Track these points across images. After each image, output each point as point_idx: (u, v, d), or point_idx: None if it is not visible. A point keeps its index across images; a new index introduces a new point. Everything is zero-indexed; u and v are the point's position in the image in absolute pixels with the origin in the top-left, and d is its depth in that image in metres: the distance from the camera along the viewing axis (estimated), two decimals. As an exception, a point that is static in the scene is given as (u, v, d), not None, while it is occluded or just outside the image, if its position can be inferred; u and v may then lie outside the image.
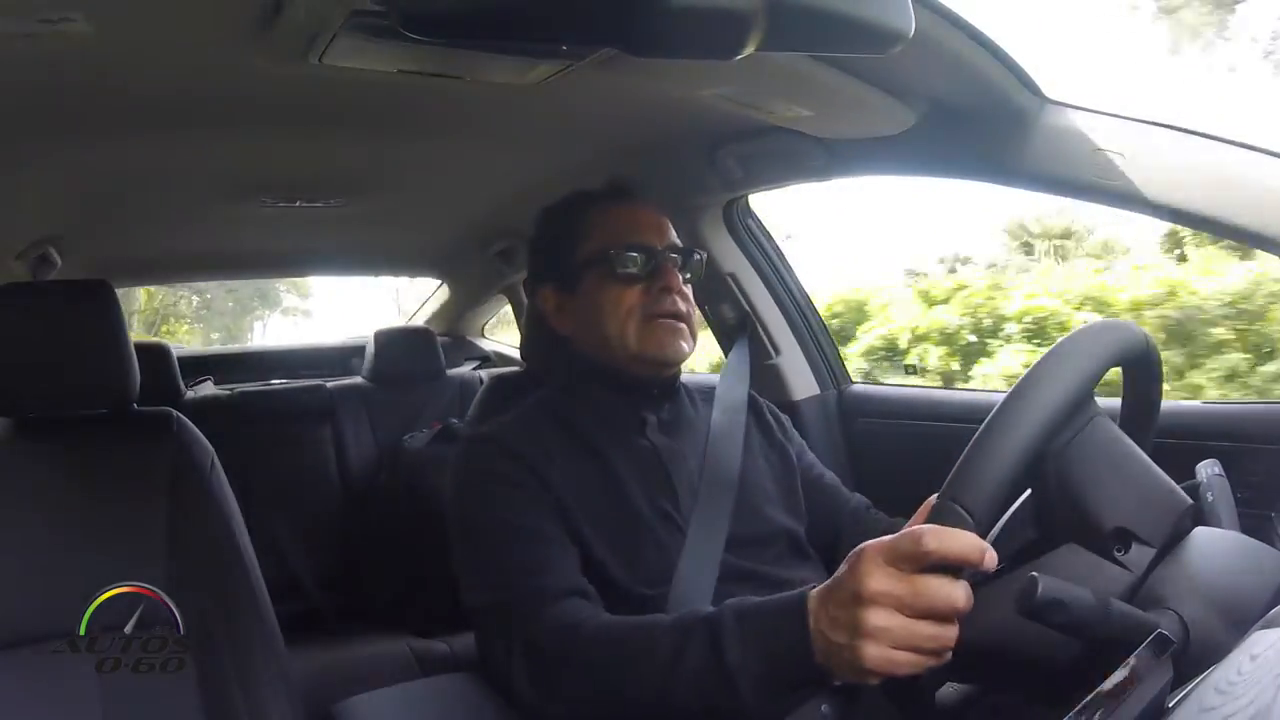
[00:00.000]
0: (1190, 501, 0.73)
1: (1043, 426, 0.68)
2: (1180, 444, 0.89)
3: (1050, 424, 0.68)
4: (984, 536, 0.67)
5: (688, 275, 1.08)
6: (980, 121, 1.11)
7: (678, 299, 1.04)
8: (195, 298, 15.17)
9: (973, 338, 5.37)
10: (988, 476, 0.66)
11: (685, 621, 0.78)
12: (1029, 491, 0.76)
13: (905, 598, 0.62)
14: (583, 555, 0.94)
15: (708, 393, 1.15)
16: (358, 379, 2.70)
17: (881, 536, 1.07)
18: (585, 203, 1.10)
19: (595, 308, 1.04)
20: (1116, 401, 0.85)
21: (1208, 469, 0.78)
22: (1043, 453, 0.70)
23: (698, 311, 1.72)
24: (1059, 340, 0.73)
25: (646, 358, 1.03)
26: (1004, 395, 0.71)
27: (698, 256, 1.09)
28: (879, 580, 0.63)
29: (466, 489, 0.99)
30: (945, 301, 5.75)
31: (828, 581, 0.68)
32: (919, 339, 5.60)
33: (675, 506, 1.00)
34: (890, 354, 5.70)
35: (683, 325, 1.04)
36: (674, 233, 1.09)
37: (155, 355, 2.26)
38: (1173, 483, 0.74)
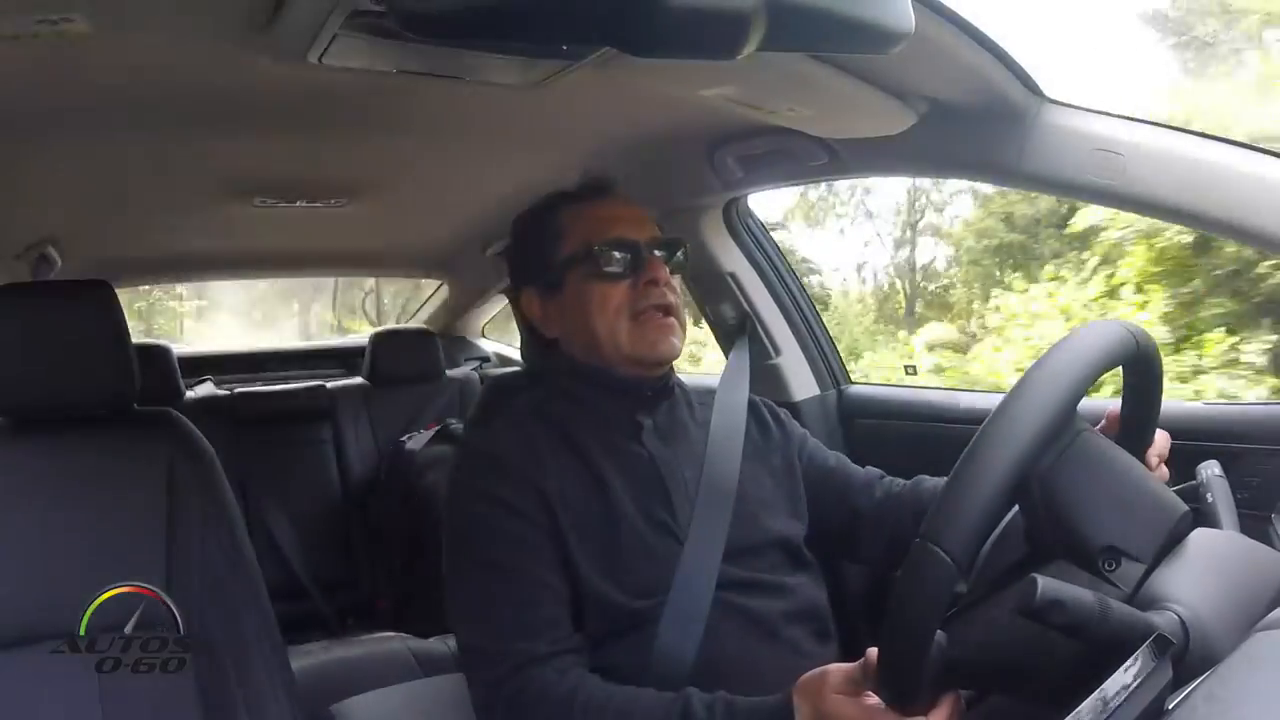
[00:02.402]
0: (1185, 508, 0.73)
1: (1022, 457, 0.66)
2: (1180, 444, 0.89)
3: (1030, 452, 0.66)
4: (965, 575, 0.67)
5: (673, 267, 1.05)
6: (980, 121, 1.10)
7: (665, 291, 1.02)
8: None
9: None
10: (966, 516, 0.65)
11: (669, 710, 0.84)
12: (1016, 508, 0.76)
13: None
14: (572, 574, 0.94)
15: (705, 396, 1.14)
16: (358, 379, 2.70)
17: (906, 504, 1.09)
18: (562, 202, 1.08)
19: (581, 308, 1.02)
20: (1115, 403, 0.84)
21: (1208, 469, 0.78)
22: (1027, 474, 0.69)
23: (693, 303, 1.74)
24: (1049, 349, 0.71)
25: (638, 357, 1.01)
26: (987, 419, 0.68)
27: (681, 251, 1.06)
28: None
29: (459, 505, 0.99)
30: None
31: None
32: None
33: (671, 515, 0.99)
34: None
35: (672, 319, 1.02)
36: (655, 226, 1.07)
37: (155, 355, 2.27)
38: (1166, 491, 0.74)
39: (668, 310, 1.02)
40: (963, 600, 0.76)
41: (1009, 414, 0.67)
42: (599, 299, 1.01)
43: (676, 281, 1.06)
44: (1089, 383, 0.70)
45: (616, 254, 1.01)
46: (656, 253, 1.03)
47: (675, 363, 1.08)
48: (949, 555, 0.63)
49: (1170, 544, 0.70)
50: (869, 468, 1.16)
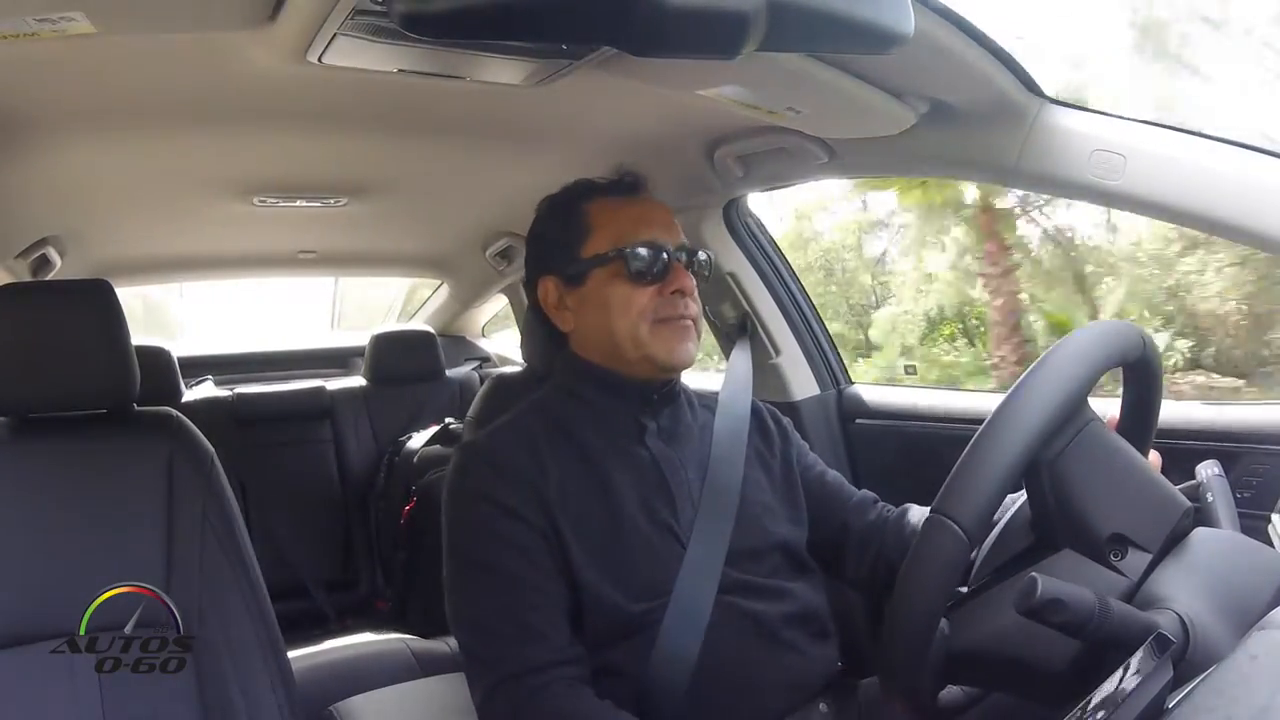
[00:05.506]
0: (1188, 504, 0.73)
1: (1033, 438, 0.68)
2: (1180, 444, 0.89)
3: (1041, 435, 0.68)
4: (975, 548, 0.67)
5: (697, 276, 1.05)
6: (980, 121, 1.10)
7: (689, 301, 1.01)
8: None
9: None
10: (978, 491, 0.66)
11: None
12: (1024, 498, 0.76)
13: None
14: (572, 578, 0.93)
15: (708, 399, 1.13)
16: (358, 379, 2.70)
17: (890, 530, 1.08)
18: (592, 194, 1.06)
19: (602, 306, 1.01)
20: (1115, 404, 0.85)
21: (1208, 469, 0.78)
22: (1037, 460, 0.70)
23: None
24: (1054, 344, 0.73)
25: (654, 360, 1.00)
26: (998, 404, 0.70)
27: (705, 256, 1.06)
28: None
29: (458, 508, 0.99)
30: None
31: None
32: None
33: (674, 516, 0.99)
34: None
35: (691, 327, 1.02)
36: (681, 231, 1.06)
37: (155, 356, 2.27)
38: (1170, 486, 0.75)
39: (688, 319, 1.01)
40: (966, 591, 0.76)
41: (1023, 396, 0.69)
42: (622, 301, 1.00)
43: None
44: (1099, 373, 0.72)
45: (645, 258, 1.00)
46: (684, 257, 1.02)
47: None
48: (960, 526, 0.64)
49: (1175, 537, 0.70)
50: (864, 490, 1.16)
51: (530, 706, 0.88)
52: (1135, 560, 0.69)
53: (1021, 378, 0.71)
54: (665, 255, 1.01)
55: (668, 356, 1.00)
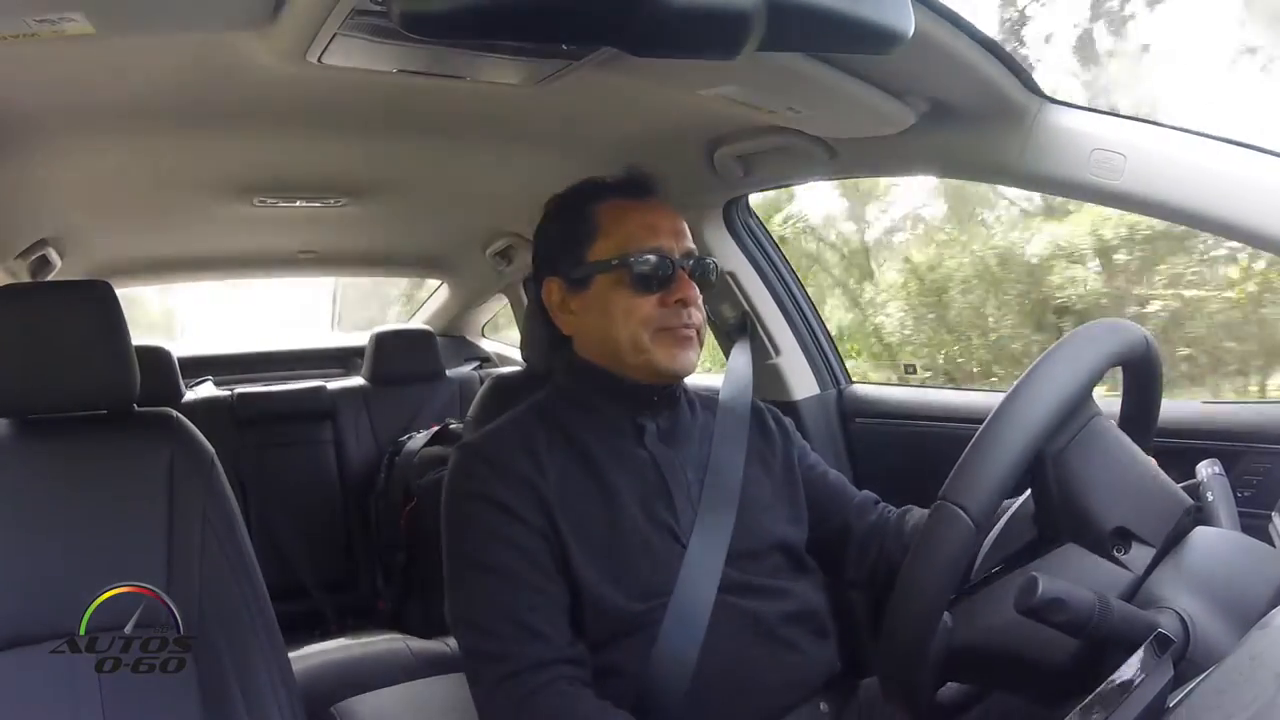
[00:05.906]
0: (1191, 501, 0.73)
1: (1040, 428, 0.68)
2: (1180, 444, 0.89)
3: (1048, 426, 0.69)
4: (981, 536, 0.68)
5: (702, 285, 1.04)
6: (980, 121, 1.11)
7: (693, 311, 1.01)
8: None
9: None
10: (986, 478, 0.66)
11: None
12: (1029, 491, 0.77)
13: None
14: (571, 579, 0.93)
15: (708, 399, 1.13)
16: (358, 379, 2.70)
17: (890, 531, 1.07)
18: (599, 195, 1.05)
19: (605, 311, 1.00)
20: (1117, 401, 0.85)
21: (1208, 469, 0.79)
22: (1042, 454, 0.70)
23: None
24: (1059, 340, 0.73)
25: (654, 367, 1.00)
26: (1004, 396, 0.71)
27: (711, 264, 1.05)
28: None
29: (457, 508, 0.98)
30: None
31: None
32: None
33: (674, 517, 0.99)
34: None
35: (694, 336, 1.01)
36: (690, 236, 1.05)
37: (155, 356, 2.27)
38: (1173, 483, 0.75)
39: (691, 327, 1.01)
40: (969, 586, 0.76)
41: (1029, 388, 0.70)
42: (625, 308, 0.99)
43: None
44: (1104, 369, 0.73)
45: (651, 266, 0.99)
46: (689, 264, 1.02)
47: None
48: (967, 513, 0.65)
49: (1176, 535, 0.70)
50: (865, 491, 1.16)
51: (530, 704, 0.88)
52: (1139, 554, 0.69)
53: (1029, 369, 0.72)
54: (671, 264, 1.00)
55: (669, 364, 1.00)
